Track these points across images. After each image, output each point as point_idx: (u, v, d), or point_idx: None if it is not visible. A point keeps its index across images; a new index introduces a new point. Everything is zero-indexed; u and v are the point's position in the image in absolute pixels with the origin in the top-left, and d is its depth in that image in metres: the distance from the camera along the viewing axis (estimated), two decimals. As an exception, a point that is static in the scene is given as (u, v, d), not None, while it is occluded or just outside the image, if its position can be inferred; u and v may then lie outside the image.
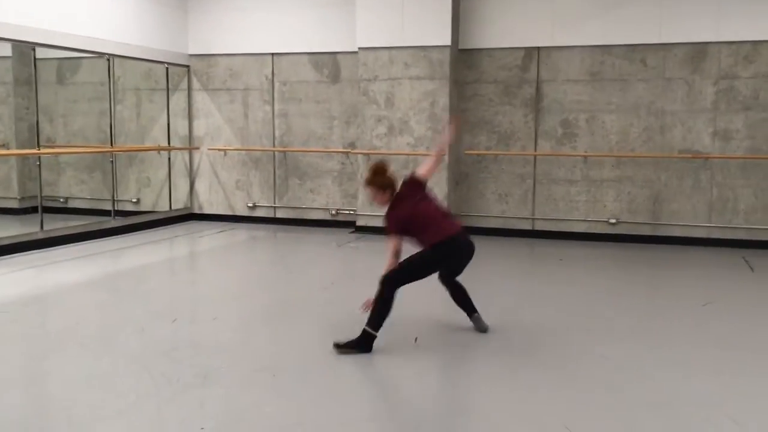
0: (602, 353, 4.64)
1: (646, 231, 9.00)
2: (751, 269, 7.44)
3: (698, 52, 8.65)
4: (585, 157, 9.13)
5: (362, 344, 4.58)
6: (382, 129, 9.45)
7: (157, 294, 6.30)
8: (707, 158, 8.69)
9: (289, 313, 5.67)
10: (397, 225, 4.70)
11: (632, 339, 5.01)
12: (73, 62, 10.44)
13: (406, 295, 4.75)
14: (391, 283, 4.59)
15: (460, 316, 5.13)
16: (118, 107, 10.32)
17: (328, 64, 10.07)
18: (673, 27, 8.65)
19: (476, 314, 5.09)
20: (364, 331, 4.60)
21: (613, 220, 9.08)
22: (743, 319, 5.58)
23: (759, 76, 8.45)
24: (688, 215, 8.84)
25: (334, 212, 10.20)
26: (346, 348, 4.59)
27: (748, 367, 4.44)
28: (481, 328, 5.08)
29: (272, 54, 10.29)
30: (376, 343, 4.61)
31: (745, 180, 8.61)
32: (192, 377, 4.14)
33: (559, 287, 6.68)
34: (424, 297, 5.66)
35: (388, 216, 4.78)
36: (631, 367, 4.41)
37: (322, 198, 10.28)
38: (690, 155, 8.74)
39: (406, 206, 4.74)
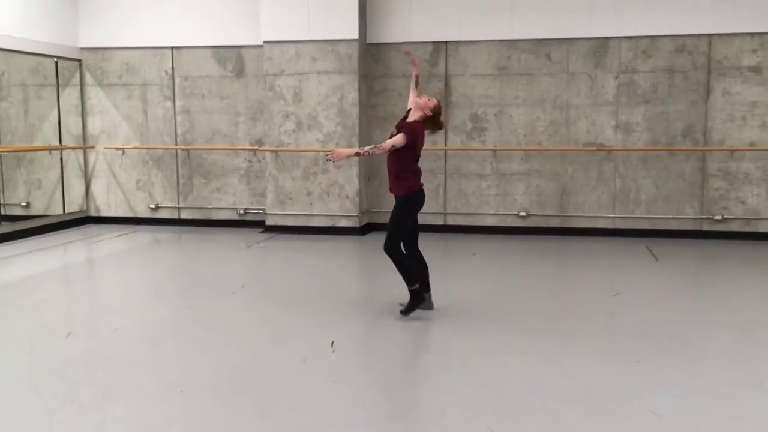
0: (519, 348, 4.59)
1: (554, 223, 9.14)
2: (656, 258, 7.65)
3: (600, 46, 8.84)
4: (494, 151, 9.17)
5: (416, 300, 5.28)
6: (290, 125, 9.17)
7: (49, 306, 5.81)
8: (610, 151, 8.91)
9: (197, 321, 5.35)
10: (413, 135, 5.15)
11: (548, 332, 4.99)
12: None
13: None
14: (392, 248, 5.20)
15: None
16: (3, 104, 9.57)
17: (232, 59, 9.68)
18: (577, 22, 8.80)
19: (429, 293, 5.49)
20: (410, 291, 5.26)
21: (523, 213, 9.17)
22: (653, 308, 5.68)
23: (657, 70, 8.72)
24: (593, 206, 9.04)
25: (242, 212, 9.83)
26: (409, 311, 5.25)
27: (664, 356, 4.48)
28: (429, 306, 5.46)
29: (172, 48, 9.80)
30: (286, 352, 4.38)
31: (646, 171, 8.88)
32: (89, 397, 3.79)
33: (472, 281, 6.64)
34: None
35: (407, 126, 5.20)
36: (548, 361, 4.38)
37: (229, 197, 9.89)
38: (594, 148, 8.92)
39: (419, 132, 5.23)
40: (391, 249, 5.21)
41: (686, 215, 8.82)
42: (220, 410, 3.67)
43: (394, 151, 5.16)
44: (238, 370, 4.25)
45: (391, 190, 5.37)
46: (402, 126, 5.28)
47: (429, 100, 5.33)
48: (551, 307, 5.73)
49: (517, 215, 9.20)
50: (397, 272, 5.31)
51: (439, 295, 6.03)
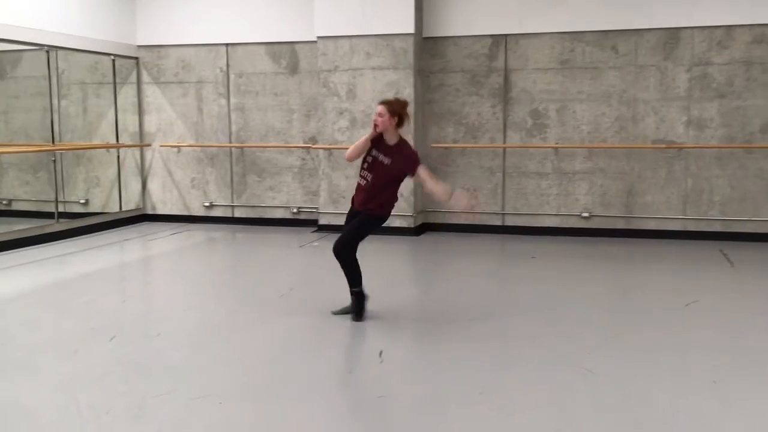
0: (585, 365, 4.24)
1: (619, 225, 8.67)
2: (731, 264, 7.13)
3: (670, 37, 8.31)
4: (556, 148, 8.75)
5: (360, 301, 5.12)
6: (344, 122, 8.96)
7: (98, 307, 5.74)
8: (681, 148, 8.38)
9: (241, 326, 5.18)
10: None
11: (616, 347, 4.62)
12: (13, 55, 9.73)
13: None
14: (347, 253, 5.08)
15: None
16: (63, 102, 9.67)
17: (286, 55, 9.53)
18: (645, 12, 8.30)
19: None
20: (353, 293, 5.11)
21: (586, 214, 8.73)
22: (730, 320, 5.23)
23: (733, 62, 8.15)
24: (662, 207, 8.53)
25: (295, 210, 9.69)
26: (360, 314, 5.11)
27: (743, 377, 4.06)
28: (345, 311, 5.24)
29: (226, 44, 9.72)
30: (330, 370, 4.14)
31: (720, 170, 8.32)
32: (124, 408, 3.63)
33: (533, 287, 6.28)
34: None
35: (414, 154, 5.09)
36: (619, 381, 4.01)
37: (283, 196, 9.76)
38: (664, 145, 8.41)
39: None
40: (345, 254, 5.08)
41: (764, 217, 8.22)
42: (261, 424, 3.46)
43: (399, 177, 5.07)
44: (280, 380, 4.04)
45: (364, 205, 5.07)
46: (402, 154, 5.00)
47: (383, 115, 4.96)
48: (617, 317, 5.33)
49: (580, 216, 8.76)
50: (348, 277, 5.12)
51: (495, 301, 5.74)
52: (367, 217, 5.09)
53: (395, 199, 5.17)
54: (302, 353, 4.54)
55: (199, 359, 4.46)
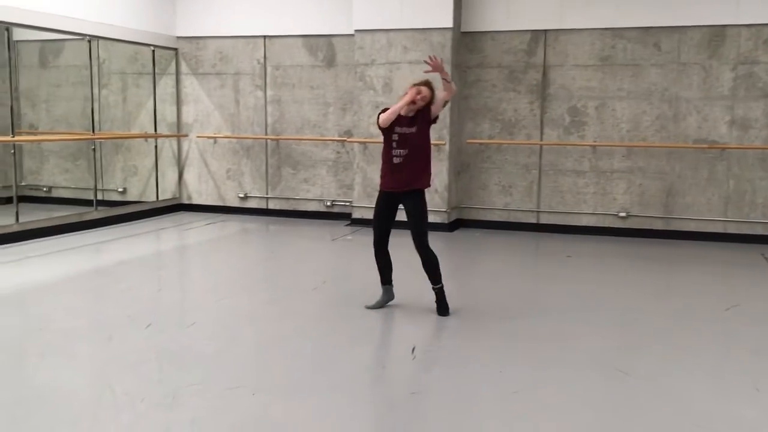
0: (621, 367, 4.16)
1: (658, 225, 8.51)
2: (773, 268, 6.96)
3: (715, 35, 8.11)
4: (594, 146, 8.61)
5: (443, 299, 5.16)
6: (379, 116, 8.92)
7: (134, 295, 5.81)
8: (724, 148, 8.18)
9: (275, 317, 5.20)
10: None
11: (654, 350, 4.52)
12: (56, 44, 9.91)
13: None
14: (428, 245, 5.10)
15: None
16: (104, 92, 9.81)
17: (323, 48, 9.53)
18: (689, 8, 8.11)
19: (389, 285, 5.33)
20: (437, 290, 5.13)
21: (623, 214, 8.58)
22: (771, 325, 5.10)
23: (781, 61, 7.93)
24: (702, 209, 8.34)
25: (329, 204, 9.70)
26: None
27: (784, 385, 3.95)
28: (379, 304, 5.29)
29: (264, 36, 9.75)
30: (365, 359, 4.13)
31: (764, 172, 8.11)
32: (159, 397, 3.66)
33: (568, 287, 6.19)
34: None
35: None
36: (658, 385, 3.93)
37: (317, 189, 9.77)
38: (706, 145, 8.22)
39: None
40: (428, 250, 5.09)
41: (809, 221, 8.00)
42: (292, 416, 3.47)
43: (427, 132, 5.09)
44: (313, 373, 4.04)
45: (410, 185, 5.05)
46: (420, 114, 5.04)
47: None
48: (654, 320, 5.22)
49: (617, 216, 8.62)
50: (433, 273, 5.13)
51: (529, 300, 5.68)
52: (422, 196, 5.12)
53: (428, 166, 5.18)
54: (335, 347, 4.53)
55: (232, 350, 4.48)
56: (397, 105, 4.93)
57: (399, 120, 4.99)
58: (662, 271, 7.08)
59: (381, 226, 5.18)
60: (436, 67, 4.97)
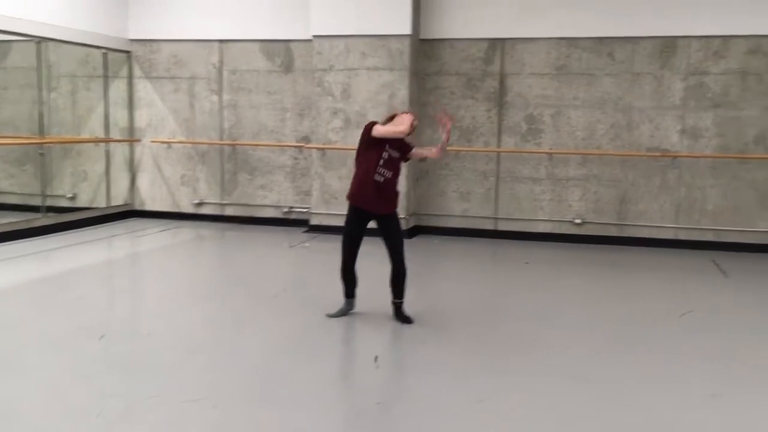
0: (583, 374, 4.19)
1: (612, 232, 8.65)
2: (724, 274, 7.12)
3: (667, 46, 8.31)
4: (550, 154, 8.72)
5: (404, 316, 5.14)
6: (337, 122, 8.88)
7: (86, 304, 5.63)
8: (675, 157, 8.38)
9: (233, 327, 5.09)
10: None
11: (613, 357, 4.58)
12: (2, 46, 9.57)
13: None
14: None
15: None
16: (53, 95, 9.53)
17: (281, 53, 9.44)
18: (642, 19, 8.29)
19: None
20: (398, 304, 5.15)
21: (579, 221, 8.71)
22: (727, 331, 5.21)
23: (729, 73, 8.16)
24: (655, 216, 8.52)
25: (286, 210, 9.60)
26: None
27: (744, 390, 4.03)
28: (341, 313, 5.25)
29: (220, 41, 9.61)
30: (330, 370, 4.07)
31: (714, 180, 8.33)
32: (116, 410, 3.54)
33: (527, 293, 6.24)
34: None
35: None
36: (619, 392, 3.97)
37: (274, 195, 9.66)
38: (658, 154, 8.41)
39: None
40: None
41: (757, 228, 8.23)
42: (255, 429, 3.38)
43: (400, 164, 5.13)
44: (275, 384, 3.96)
45: (391, 208, 5.09)
46: (404, 142, 5.14)
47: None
48: (613, 326, 5.28)
49: (572, 222, 8.74)
50: (402, 289, 5.17)
51: (489, 307, 5.70)
52: (397, 216, 5.15)
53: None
54: (297, 356, 4.46)
55: (191, 360, 4.36)
56: (401, 128, 4.90)
57: (391, 142, 4.96)
58: (617, 278, 7.19)
59: (353, 250, 5.08)
60: (448, 127, 5.06)
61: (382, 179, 4.95)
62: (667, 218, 8.48)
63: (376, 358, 4.39)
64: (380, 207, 5.01)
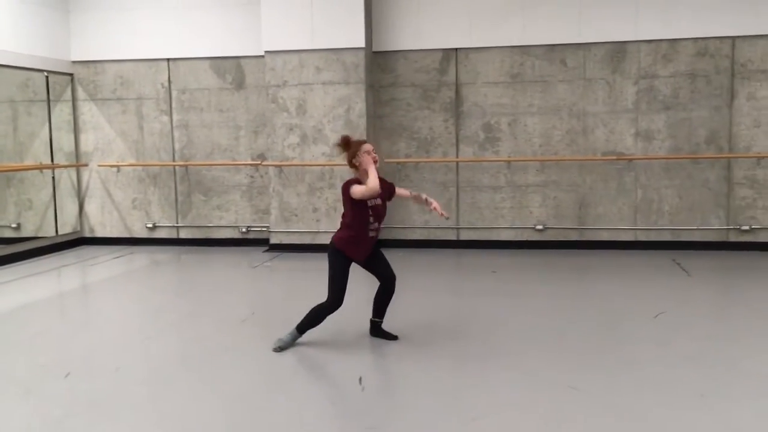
0: (571, 383, 4.15)
1: (573, 236, 8.73)
2: (687, 273, 7.23)
3: (617, 51, 8.46)
4: (508, 162, 8.76)
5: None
6: (294, 138, 8.73)
7: (45, 341, 5.33)
8: (630, 160, 8.51)
9: (207, 355, 4.89)
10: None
11: (596, 362, 4.56)
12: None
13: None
14: None
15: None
16: (-9, 121, 9.10)
17: (232, 70, 9.25)
18: (592, 25, 8.42)
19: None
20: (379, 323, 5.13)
21: (540, 227, 8.76)
22: (703, 330, 5.26)
23: (678, 75, 8.35)
24: (614, 218, 8.64)
25: (244, 230, 9.37)
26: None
27: (731, 390, 4.05)
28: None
29: (168, 59, 9.36)
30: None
31: (668, 180, 8.49)
32: (94, 456, 3.32)
33: (498, 303, 6.20)
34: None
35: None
36: (607, 398, 3.94)
37: (231, 215, 9.43)
38: (614, 157, 8.53)
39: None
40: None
41: (712, 226, 8.42)
42: (246, 467, 3.22)
43: (386, 204, 5.02)
44: (258, 415, 3.79)
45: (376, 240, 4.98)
46: (386, 183, 5.02)
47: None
48: (591, 331, 5.28)
49: (534, 229, 8.78)
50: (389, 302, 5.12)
51: (463, 319, 5.64)
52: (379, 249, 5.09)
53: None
54: (277, 383, 4.29)
55: (166, 395, 4.15)
56: (373, 186, 4.58)
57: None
58: (584, 281, 7.23)
59: (343, 292, 4.86)
60: (435, 208, 5.02)
61: (374, 233, 4.88)
62: (626, 220, 8.61)
63: (360, 380, 4.26)
64: (370, 251, 4.94)
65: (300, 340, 4.95)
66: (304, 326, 4.92)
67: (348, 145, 4.88)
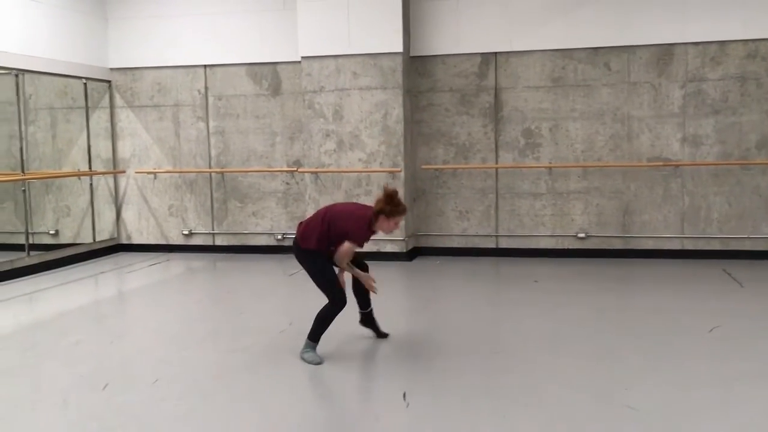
0: (626, 402, 3.94)
1: (617, 245, 8.47)
2: (740, 284, 6.94)
3: (664, 54, 8.20)
4: (549, 168, 8.54)
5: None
6: (330, 144, 8.63)
7: (83, 350, 5.27)
8: (677, 165, 8.24)
9: (246, 368, 4.77)
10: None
11: (651, 381, 4.33)
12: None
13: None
14: None
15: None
16: (31, 129, 9.14)
17: (268, 76, 9.18)
18: (637, 28, 8.18)
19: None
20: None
21: (582, 235, 8.52)
22: (764, 346, 4.99)
23: (727, 78, 8.06)
24: (659, 226, 8.36)
25: (279, 237, 9.29)
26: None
27: (795, 409, 3.82)
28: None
29: (205, 66, 9.33)
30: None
31: (717, 187, 8.19)
32: (134, 474, 3.21)
33: (541, 313, 5.99)
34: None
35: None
36: (668, 419, 3.72)
37: (266, 222, 9.35)
38: (660, 163, 8.26)
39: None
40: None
41: (763, 234, 8.10)
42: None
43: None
44: (302, 430, 3.66)
45: None
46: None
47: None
48: (643, 346, 5.03)
49: (576, 237, 8.54)
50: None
51: (507, 331, 5.45)
52: None
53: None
54: (320, 397, 4.17)
55: (206, 409, 4.04)
56: (349, 252, 4.73)
57: (338, 239, 4.74)
58: (630, 292, 6.99)
59: (343, 289, 4.87)
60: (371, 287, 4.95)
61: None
62: (672, 228, 8.32)
63: (404, 395, 4.11)
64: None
65: (340, 351, 4.82)
66: (315, 334, 4.83)
67: (390, 200, 4.67)
